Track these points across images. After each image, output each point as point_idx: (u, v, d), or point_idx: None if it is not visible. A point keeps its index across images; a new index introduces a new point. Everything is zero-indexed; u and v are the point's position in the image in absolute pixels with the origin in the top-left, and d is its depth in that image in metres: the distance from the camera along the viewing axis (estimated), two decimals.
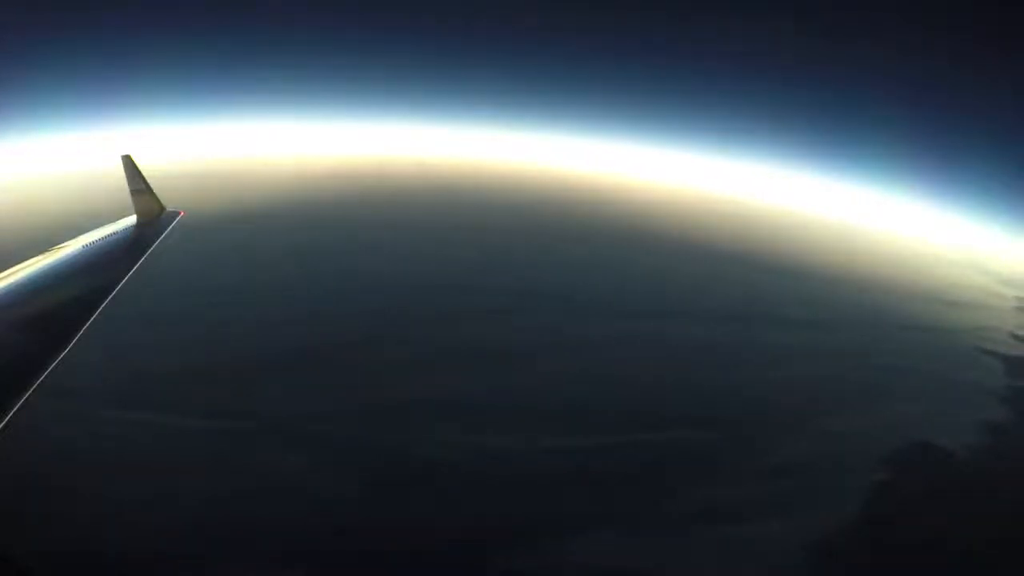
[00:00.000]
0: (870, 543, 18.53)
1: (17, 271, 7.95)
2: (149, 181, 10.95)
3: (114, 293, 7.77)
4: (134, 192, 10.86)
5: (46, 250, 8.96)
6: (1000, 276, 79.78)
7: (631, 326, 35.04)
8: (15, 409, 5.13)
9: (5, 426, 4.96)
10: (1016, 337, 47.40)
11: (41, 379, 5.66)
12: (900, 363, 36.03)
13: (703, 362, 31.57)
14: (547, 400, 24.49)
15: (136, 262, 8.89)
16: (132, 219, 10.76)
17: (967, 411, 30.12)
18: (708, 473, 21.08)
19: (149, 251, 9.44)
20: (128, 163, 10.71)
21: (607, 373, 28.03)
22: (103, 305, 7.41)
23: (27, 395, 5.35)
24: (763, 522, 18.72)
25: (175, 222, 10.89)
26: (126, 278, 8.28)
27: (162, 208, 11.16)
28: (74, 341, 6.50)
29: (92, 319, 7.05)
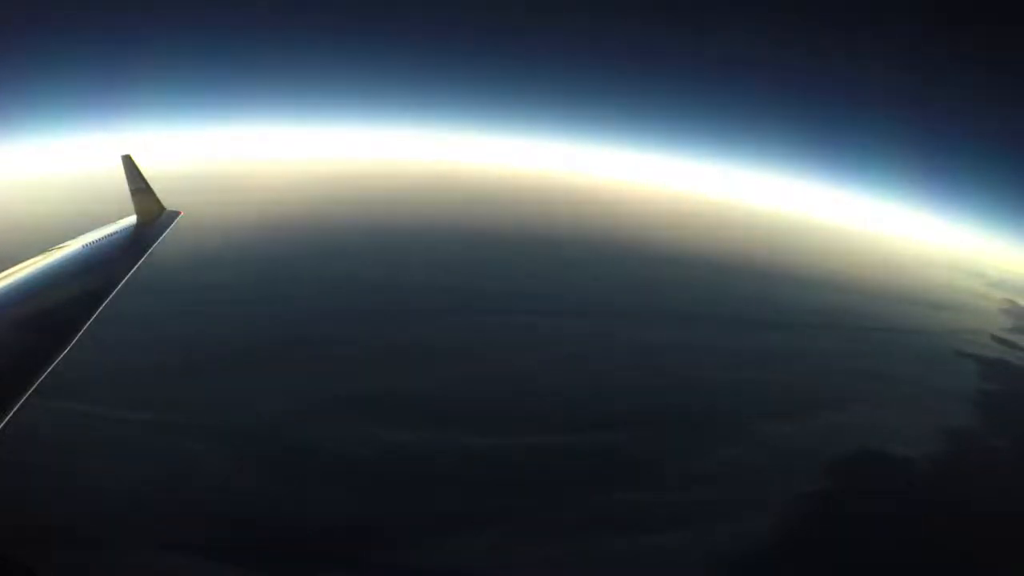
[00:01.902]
0: (778, 559, 17.32)
1: (17, 271, 7.95)
2: (149, 183, 10.96)
3: (114, 293, 7.77)
4: (134, 192, 10.86)
5: (46, 250, 8.96)
6: (990, 279, 79.94)
7: (587, 326, 34.78)
8: (15, 409, 5.13)
9: (5, 426, 4.96)
10: (997, 339, 46.87)
11: (41, 379, 5.66)
12: (870, 366, 35.23)
13: (654, 363, 30.64)
14: (477, 397, 24.10)
15: (136, 262, 8.89)
16: (132, 219, 10.76)
17: (931, 416, 28.93)
18: (624, 478, 20.12)
19: (149, 251, 9.45)
20: (128, 163, 10.71)
21: (547, 372, 27.56)
22: (103, 305, 7.41)
23: (27, 395, 5.35)
24: (667, 532, 17.74)
25: (175, 223, 10.90)
26: (126, 278, 8.29)
27: (162, 208, 11.17)
28: (74, 341, 6.50)
29: (92, 319, 7.05)
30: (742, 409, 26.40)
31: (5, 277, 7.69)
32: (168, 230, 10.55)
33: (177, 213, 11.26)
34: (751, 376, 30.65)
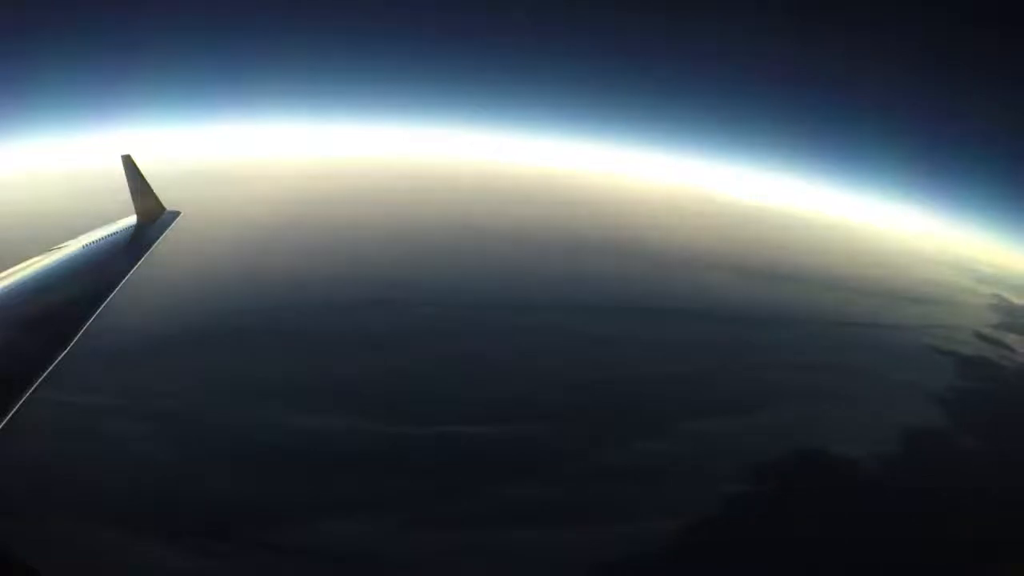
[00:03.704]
0: (681, 560, 16.43)
1: (17, 271, 7.97)
2: (149, 181, 10.99)
3: (114, 293, 7.80)
4: (134, 192, 10.90)
5: (46, 250, 8.98)
6: (982, 274, 78.31)
7: (532, 319, 33.57)
8: (15, 409, 5.15)
9: (5, 426, 4.98)
10: (979, 336, 44.70)
11: (41, 379, 5.68)
12: (831, 362, 33.29)
13: (593, 357, 29.15)
14: (406, 387, 23.90)
15: (136, 262, 8.92)
16: (132, 219, 10.79)
17: (889, 415, 27.02)
18: (533, 471, 19.41)
19: (149, 251, 9.48)
20: (128, 163, 10.74)
21: (476, 364, 26.92)
22: (103, 305, 7.43)
23: (27, 395, 5.37)
24: (570, 527, 17.06)
25: (175, 222, 10.94)
26: (126, 278, 8.31)
27: (162, 208, 11.21)
28: (74, 341, 6.52)
29: (92, 319, 7.07)
30: (680, 405, 25.10)
31: (5, 277, 7.71)
32: (168, 230, 10.59)
33: (177, 213, 11.31)
34: (697, 370, 29.29)
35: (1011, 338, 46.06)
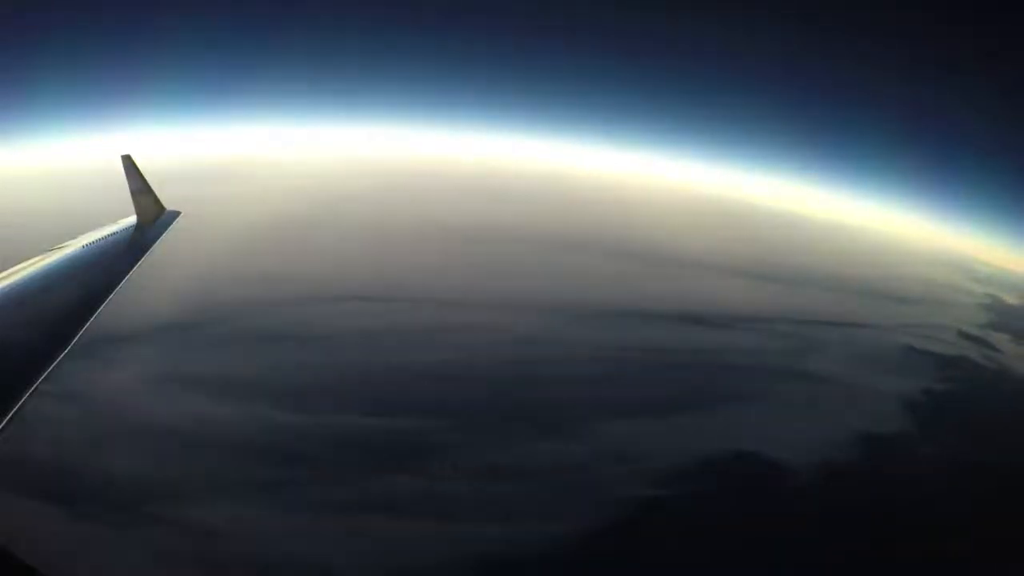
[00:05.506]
0: (553, 565, 15.67)
1: (17, 271, 7.97)
2: (149, 181, 11.01)
3: (113, 294, 7.80)
4: (134, 192, 10.91)
5: (46, 250, 8.99)
6: (978, 274, 77.06)
7: (463, 317, 32.63)
8: (15, 409, 5.15)
9: (5, 426, 4.98)
10: (963, 335, 43.21)
11: (41, 379, 5.68)
12: (791, 362, 31.47)
13: (522, 356, 27.94)
14: (315, 378, 23.81)
15: (136, 262, 8.94)
16: (132, 219, 10.81)
17: (846, 417, 25.31)
18: (413, 466, 18.96)
19: (149, 251, 9.50)
20: (128, 163, 10.76)
21: (400, 359, 26.39)
22: (103, 305, 7.44)
23: (27, 395, 5.37)
24: (434, 521, 16.75)
25: (174, 222, 10.96)
26: (126, 278, 8.32)
27: (162, 208, 11.22)
28: (73, 341, 6.52)
29: (91, 319, 7.07)
30: (604, 407, 23.77)
31: (5, 277, 7.71)
32: (168, 230, 10.61)
33: (177, 213, 11.34)
34: (641, 372, 27.66)
35: (996, 337, 44.72)
